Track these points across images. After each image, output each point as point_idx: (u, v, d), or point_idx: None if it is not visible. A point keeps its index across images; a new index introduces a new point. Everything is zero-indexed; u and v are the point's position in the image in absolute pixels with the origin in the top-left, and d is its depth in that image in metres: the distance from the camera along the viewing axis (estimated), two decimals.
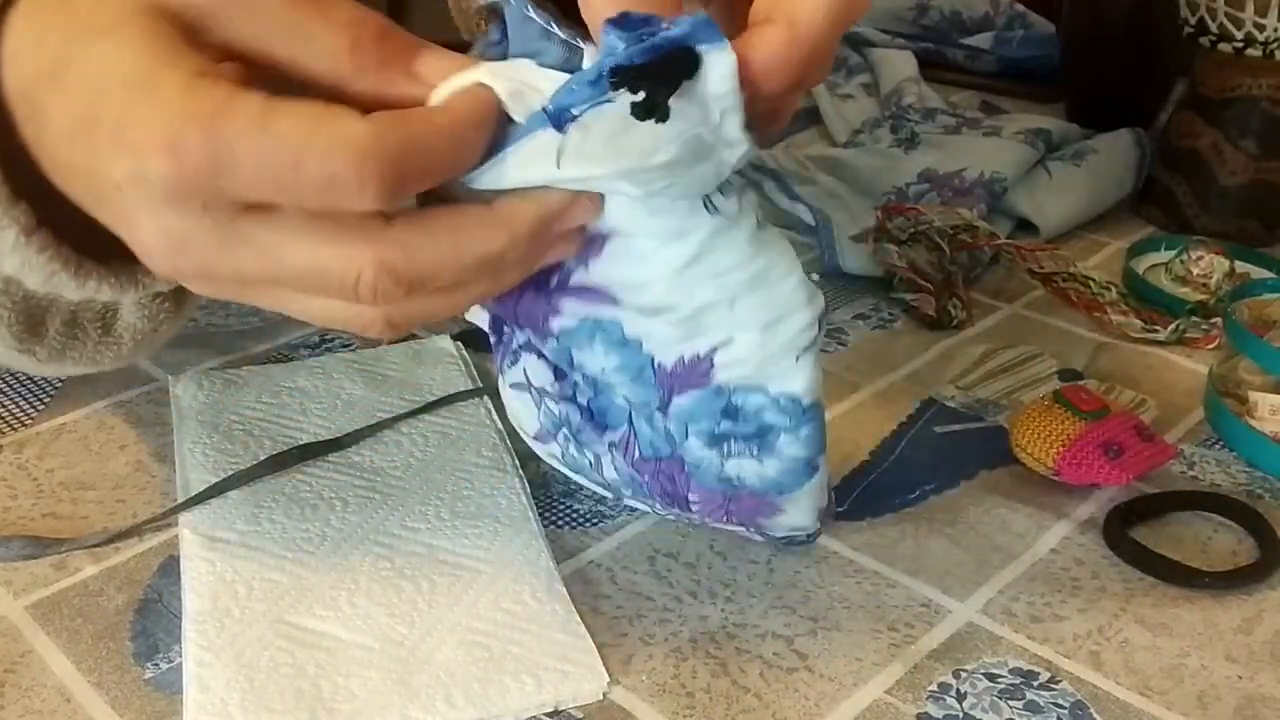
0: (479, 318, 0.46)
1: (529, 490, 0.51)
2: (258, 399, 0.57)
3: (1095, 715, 0.41)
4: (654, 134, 0.33)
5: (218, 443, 0.53)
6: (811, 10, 0.34)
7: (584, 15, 0.34)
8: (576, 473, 0.46)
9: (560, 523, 0.50)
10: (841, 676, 0.42)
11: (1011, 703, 0.41)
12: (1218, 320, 0.65)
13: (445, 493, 0.51)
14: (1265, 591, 0.47)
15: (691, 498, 0.41)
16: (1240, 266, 0.70)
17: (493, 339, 0.46)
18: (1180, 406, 0.59)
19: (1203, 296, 0.68)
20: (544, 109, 0.33)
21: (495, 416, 0.56)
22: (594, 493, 0.51)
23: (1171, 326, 0.65)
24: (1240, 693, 0.42)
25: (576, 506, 0.51)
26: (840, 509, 0.51)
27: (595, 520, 0.50)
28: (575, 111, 0.33)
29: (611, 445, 0.41)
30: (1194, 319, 0.65)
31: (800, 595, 0.46)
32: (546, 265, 0.38)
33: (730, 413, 0.39)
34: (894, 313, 0.68)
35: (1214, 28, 0.74)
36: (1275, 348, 0.56)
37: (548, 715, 0.41)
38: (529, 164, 0.33)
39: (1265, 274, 0.70)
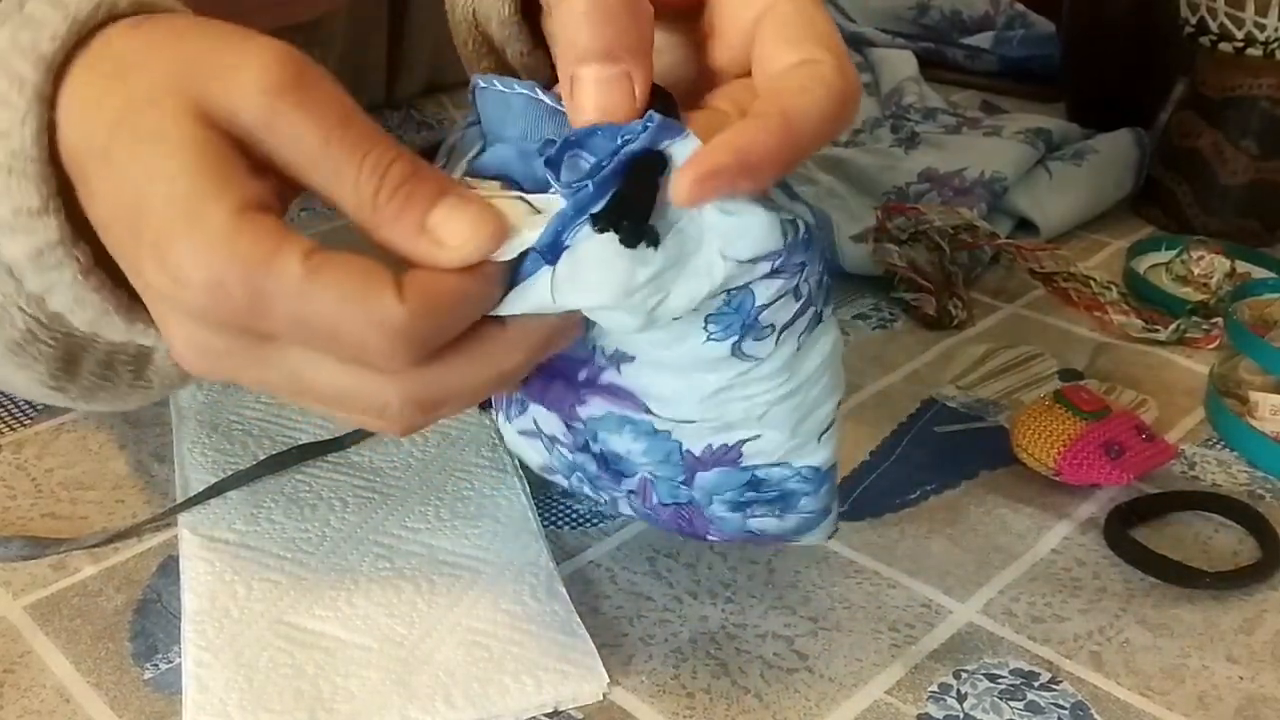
0: None
1: (529, 490, 0.51)
2: (257, 399, 0.56)
3: (1096, 716, 0.41)
4: (642, 253, 0.32)
5: (217, 443, 0.53)
6: (805, 106, 0.34)
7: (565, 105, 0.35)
8: (582, 497, 0.46)
9: (560, 523, 0.50)
10: (842, 677, 0.42)
11: (1012, 703, 0.41)
12: (1218, 320, 0.65)
13: (445, 493, 0.51)
14: (1266, 592, 0.47)
15: (710, 537, 0.41)
16: (1241, 266, 0.70)
17: None
18: (1181, 406, 0.59)
19: (1203, 296, 0.68)
20: (535, 249, 0.33)
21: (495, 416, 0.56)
22: None
23: (1172, 326, 0.65)
24: (1241, 693, 0.42)
25: (576, 506, 0.51)
26: (841, 509, 0.51)
27: (595, 520, 0.50)
28: (566, 241, 0.32)
29: (629, 492, 0.41)
30: (1194, 319, 0.65)
31: (801, 595, 0.46)
32: (582, 355, 0.38)
33: (754, 485, 0.39)
34: (894, 313, 0.68)
35: (1214, 27, 0.74)
36: (1276, 348, 0.56)
37: (548, 716, 0.40)
38: (531, 297, 0.33)
39: (1266, 274, 0.70)
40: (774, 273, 0.35)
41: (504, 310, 0.34)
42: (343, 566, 0.46)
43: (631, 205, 0.32)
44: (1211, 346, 0.64)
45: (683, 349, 0.36)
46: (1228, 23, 0.73)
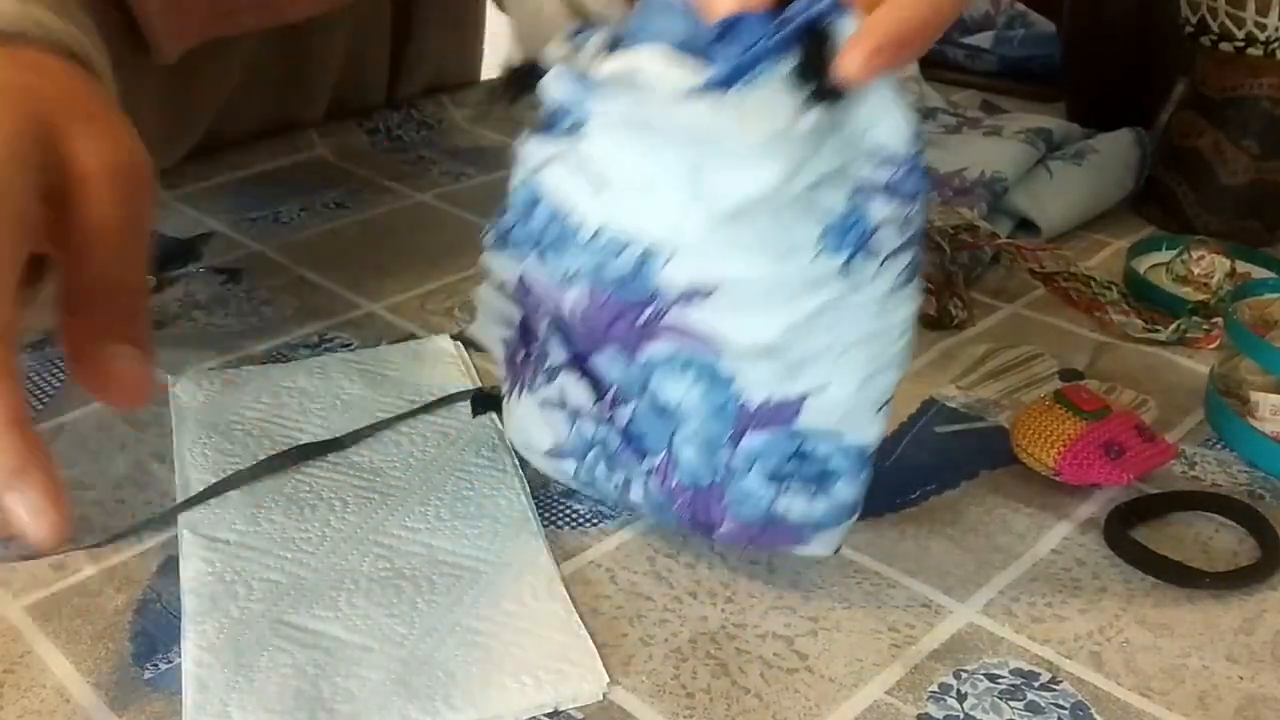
0: (489, 334, 0.46)
1: (529, 490, 0.51)
2: (257, 399, 0.56)
3: (1096, 716, 0.41)
4: (811, 108, 0.35)
5: (217, 443, 0.53)
6: None
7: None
8: (587, 488, 0.47)
9: (560, 523, 0.50)
10: (842, 677, 0.42)
11: (1012, 703, 0.41)
12: (1219, 320, 0.65)
13: (445, 493, 0.51)
14: (1266, 592, 0.47)
15: (722, 528, 0.41)
16: (1241, 266, 0.70)
17: (505, 356, 0.47)
18: (1181, 406, 0.59)
19: (1204, 296, 0.68)
20: (708, 78, 0.35)
21: (495, 416, 0.56)
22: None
23: (1173, 326, 0.65)
24: (1241, 693, 0.42)
25: (576, 506, 0.51)
26: None
27: (595, 520, 0.50)
28: (737, 85, 0.35)
29: (649, 471, 0.41)
30: (1195, 319, 0.65)
31: (800, 596, 0.46)
32: (641, 299, 0.39)
33: (800, 455, 0.39)
34: None
35: (1215, 27, 0.74)
36: (1276, 348, 0.56)
37: (547, 716, 0.40)
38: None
39: (1266, 274, 0.70)
40: (891, 190, 0.37)
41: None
42: (343, 566, 0.46)
43: (814, 66, 0.35)
44: (1212, 346, 0.64)
45: (790, 265, 0.37)
46: (1228, 22, 0.73)
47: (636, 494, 0.41)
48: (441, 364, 0.60)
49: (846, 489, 0.40)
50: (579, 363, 0.42)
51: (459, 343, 0.62)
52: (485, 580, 0.46)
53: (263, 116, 0.88)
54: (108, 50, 0.47)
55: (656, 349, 0.39)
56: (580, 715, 0.41)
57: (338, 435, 0.54)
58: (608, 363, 0.41)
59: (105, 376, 0.38)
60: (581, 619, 0.44)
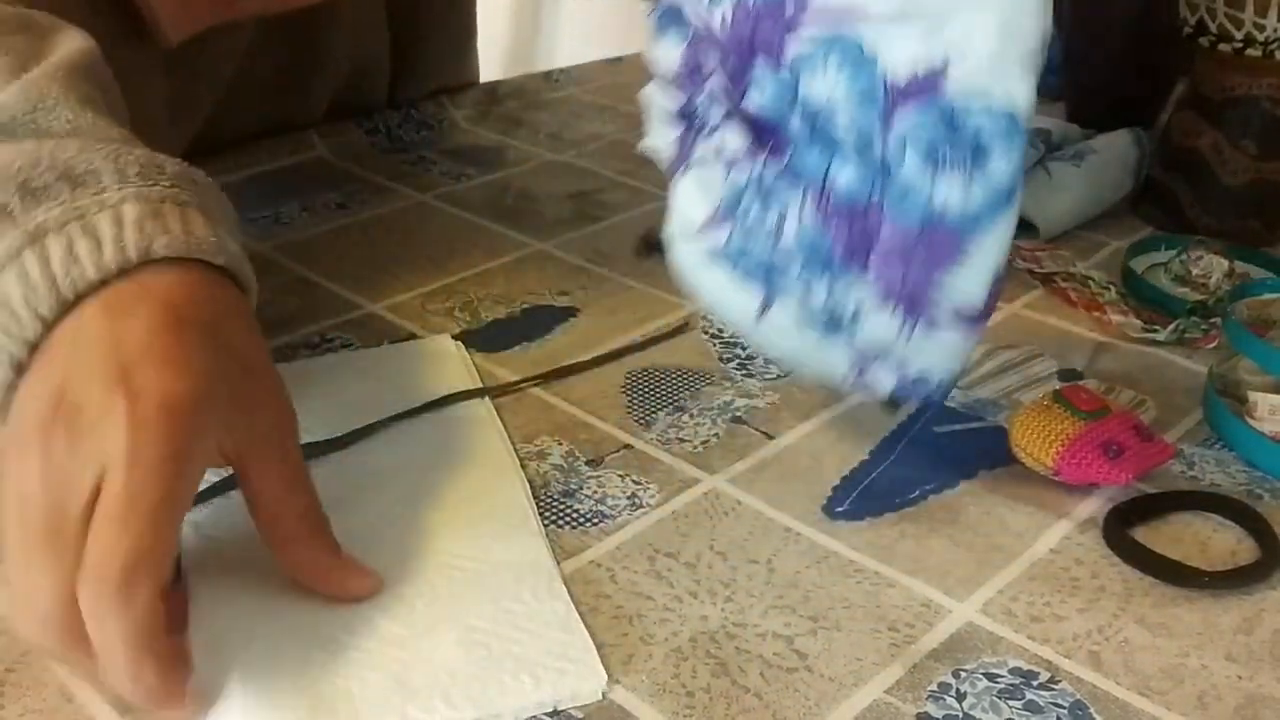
0: (661, 140, 0.49)
1: (529, 490, 0.51)
2: None
3: (1095, 715, 0.41)
4: None
5: None
6: None
7: None
8: (739, 258, 0.46)
9: (560, 523, 0.50)
10: (841, 676, 0.42)
11: (1011, 703, 0.41)
12: (1217, 320, 0.65)
13: (445, 492, 0.51)
14: (1265, 591, 0.47)
15: (882, 240, 0.42)
16: (1240, 266, 0.70)
17: (672, 150, 0.49)
18: (1180, 406, 0.59)
19: (1202, 296, 0.68)
20: None
21: (495, 416, 0.56)
22: (594, 492, 0.51)
23: (1171, 326, 0.65)
24: (1240, 693, 0.42)
25: (576, 506, 0.51)
26: (840, 509, 0.51)
27: (595, 520, 0.50)
28: None
29: (806, 192, 0.43)
30: (1194, 319, 0.65)
31: (800, 595, 0.46)
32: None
33: (951, 126, 0.41)
34: None
35: (1214, 28, 0.74)
36: (1275, 348, 0.56)
37: (547, 715, 0.41)
38: None
39: (1265, 274, 0.70)
40: None
41: None
42: None
43: None
44: (1210, 346, 0.64)
45: None
46: (1226, 23, 0.73)
47: (791, 229, 0.43)
48: (441, 364, 0.60)
49: (1001, 165, 0.41)
50: (735, 114, 0.45)
51: (459, 343, 0.62)
52: (485, 580, 0.46)
53: (263, 116, 0.88)
54: (109, 39, 0.48)
55: (802, 40, 0.41)
56: (580, 714, 0.41)
57: (338, 435, 0.54)
58: (759, 89, 0.43)
59: (326, 588, 0.44)
60: (581, 618, 0.44)
